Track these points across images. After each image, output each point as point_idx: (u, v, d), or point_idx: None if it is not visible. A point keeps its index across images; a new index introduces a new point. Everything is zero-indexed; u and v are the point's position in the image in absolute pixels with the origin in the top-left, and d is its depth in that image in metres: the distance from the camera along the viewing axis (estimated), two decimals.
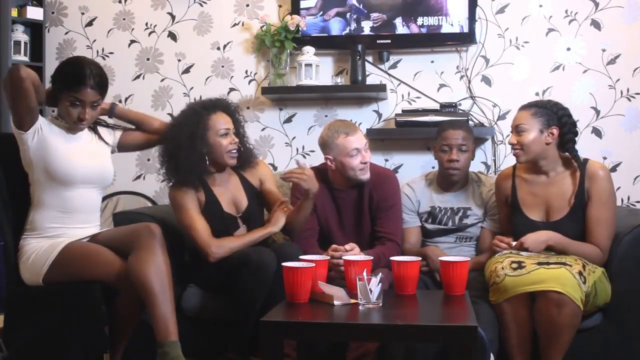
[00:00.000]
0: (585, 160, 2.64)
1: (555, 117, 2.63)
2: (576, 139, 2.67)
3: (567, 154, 2.67)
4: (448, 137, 2.88)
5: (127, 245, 2.35)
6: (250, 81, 3.69)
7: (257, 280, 2.49)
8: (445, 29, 3.43)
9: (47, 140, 2.47)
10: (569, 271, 2.35)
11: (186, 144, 2.68)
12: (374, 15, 3.47)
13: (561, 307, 2.32)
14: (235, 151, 2.75)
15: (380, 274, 2.17)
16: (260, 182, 2.91)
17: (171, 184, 2.77)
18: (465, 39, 3.43)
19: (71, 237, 2.47)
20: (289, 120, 3.66)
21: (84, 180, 2.52)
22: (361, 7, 3.47)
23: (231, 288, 2.56)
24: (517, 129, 2.64)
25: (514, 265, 2.43)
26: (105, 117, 2.75)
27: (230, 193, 2.83)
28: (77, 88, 2.42)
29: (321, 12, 3.52)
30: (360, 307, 2.16)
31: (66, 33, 3.85)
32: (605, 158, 3.37)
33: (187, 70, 3.75)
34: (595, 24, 3.41)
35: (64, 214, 2.50)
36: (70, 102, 2.45)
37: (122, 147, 2.72)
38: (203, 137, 2.70)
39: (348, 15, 3.49)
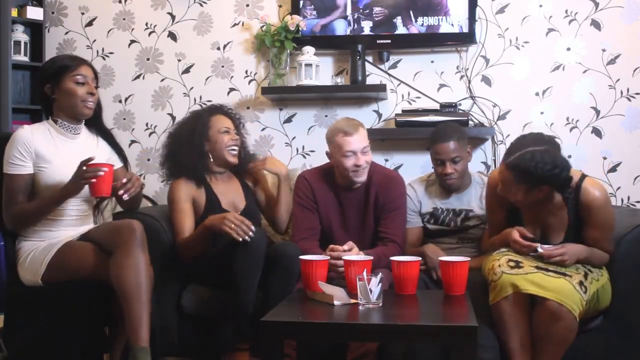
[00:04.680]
0: (578, 186, 2.45)
1: (540, 179, 2.35)
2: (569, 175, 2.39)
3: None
4: (439, 152, 2.84)
5: (109, 244, 2.33)
6: (250, 81, 3.69)
7: (248, 257, 2.52)
8: (445, 28, 3.43)
9: (40, 156, 2.46)
10: (569, 282, 2.33)
11: (187, 140, 2.84)
12: (377, 9, 3.47)
13: (558, 320, 2.30)
14: (235, 148, 2.88)
15: (380, 274, 2.17)
16: (254, 182, 3.05)
17: (170, 181, 2.88)
18: (465, 39, 3.43)
19: (63, 238, 2.46)
20: (289, 120, 3.66)
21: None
22: (361, 7, 3.48)
23: (226, 274, 2.56)
24: (503, 190, 2.46)
25: (512, 264, 2.41)
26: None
27: (230, 194, 2.92)
28: (76, 66, 2.53)
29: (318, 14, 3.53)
30: (360, 307, 2.15)
31: (66, 33, 3.85)
32: (605, 158, 3.37)
33: (187, 70, 3.75)
34: (595, 24, 3.40)
35: (53, 220, 2.49)
36: (75, 82, 2.51)
37: None
38: (203, 132, 2.84)
39: (349, 16, 3.50)
